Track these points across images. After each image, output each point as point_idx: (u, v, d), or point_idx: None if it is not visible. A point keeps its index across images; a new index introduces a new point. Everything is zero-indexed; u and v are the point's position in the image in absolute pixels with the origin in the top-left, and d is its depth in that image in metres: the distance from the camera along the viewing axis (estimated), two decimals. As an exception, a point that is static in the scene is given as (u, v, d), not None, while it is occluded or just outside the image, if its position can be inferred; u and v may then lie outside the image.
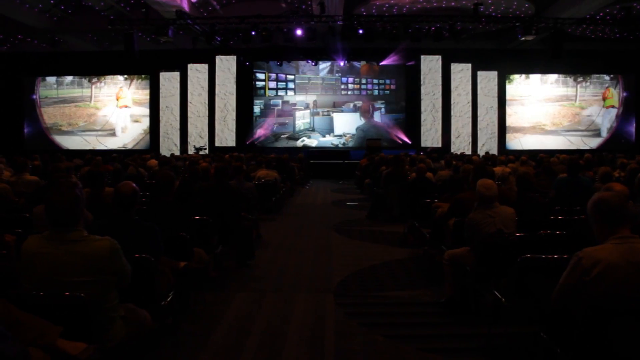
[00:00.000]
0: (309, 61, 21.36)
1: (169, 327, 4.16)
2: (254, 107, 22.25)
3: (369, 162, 13.41)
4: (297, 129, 22.32)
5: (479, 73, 21.70)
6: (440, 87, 21.67)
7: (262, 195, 9.04)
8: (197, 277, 4.79)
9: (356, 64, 22.05)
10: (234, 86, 21.85)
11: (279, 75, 22.31)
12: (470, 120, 21.71)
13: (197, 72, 21.83)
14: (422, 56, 21.51)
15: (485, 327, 4.16)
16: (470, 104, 21.69)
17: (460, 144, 21.59)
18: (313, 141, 22.21)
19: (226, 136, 21.90)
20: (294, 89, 22.43)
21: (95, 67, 21.69)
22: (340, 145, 21.93)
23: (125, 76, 22.19)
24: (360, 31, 16.70)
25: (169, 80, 21.93)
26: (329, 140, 22.17)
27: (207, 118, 21.86)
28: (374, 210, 10.11)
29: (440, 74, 21.69)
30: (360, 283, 5.74)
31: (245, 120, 21.91)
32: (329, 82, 22.38)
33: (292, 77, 22.39)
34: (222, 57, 21.58)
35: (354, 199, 13.10)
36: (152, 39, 18.75)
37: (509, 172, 7.99)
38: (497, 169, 8.59)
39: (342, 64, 21.63)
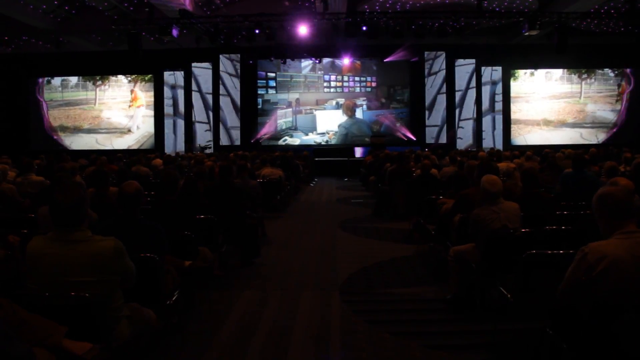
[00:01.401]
0: (313, 59, 21.32)
1: (175, 326, 4.17)
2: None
3: (373, 159, 13.39)
4: (278, 128, 22.11)
5: (484, 69, 21.62)
6: (445, 83, 21.61)
7: (267, 193, 9.05)
8: (203, 276, 4.79)
9: (338, 61, 21.91)
10: (238, 84, 21.86)
11: (259, 72, 22.09)
12: (474, 116, 21.63)
13: (202, 71, 21.85)
14: (425, 52, 21.46)
15: (491, 324, 4.15)
16: (474, 99, 21.61)
17: (465, 140, 21.53)
18: (295, 140, 21.97)
19: (230, 135, 21.90)
20: (275, 87, 22.22)
21: (100, 67, 21.73)
22: (323, 143, 21.75)
23: (129, 78, 22.20)
24: (364, 28, 16.67)
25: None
26: (311, 139, 21.95)
27: (211, 117, 21.87)
28: (379, 208, 10.10)
29: (444, 70, 21.62)
30: (366, 280, 5.74)
31: (249, 118, 21.89)
32: (312, 80, 22.21)
33: (272, 74, 22.17)
34: (226, 55, 21.63)
35: (359, 196, 13.09)
36: (156, 39, 18.77)
37: (514, 167, 7.97)
38: (501, 165, 8.56)
39: (346, 61, 21.56)
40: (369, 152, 16.44)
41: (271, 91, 22.19)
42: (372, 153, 15.07)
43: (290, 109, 22.12)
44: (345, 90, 22.16)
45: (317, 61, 21.48)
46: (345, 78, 22.16)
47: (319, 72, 22.19)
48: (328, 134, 21.97)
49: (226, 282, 5.57)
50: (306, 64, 21.97)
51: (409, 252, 6.92)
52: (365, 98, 22.15)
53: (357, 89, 22.17)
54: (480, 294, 4.44)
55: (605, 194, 2.76)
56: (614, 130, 21.62)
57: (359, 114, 22.13)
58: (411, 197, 8.18)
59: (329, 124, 22.06)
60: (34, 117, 22.30)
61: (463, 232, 4.81)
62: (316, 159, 19.21)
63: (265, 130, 21.91)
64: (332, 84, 22.16)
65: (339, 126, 22.04)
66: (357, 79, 22.17)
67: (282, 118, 22.13)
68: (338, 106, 22.12)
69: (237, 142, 21.65)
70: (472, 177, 5.70)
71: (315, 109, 22.13)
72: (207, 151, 20.27)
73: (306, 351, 3.92)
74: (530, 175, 5.32)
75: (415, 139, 21.39)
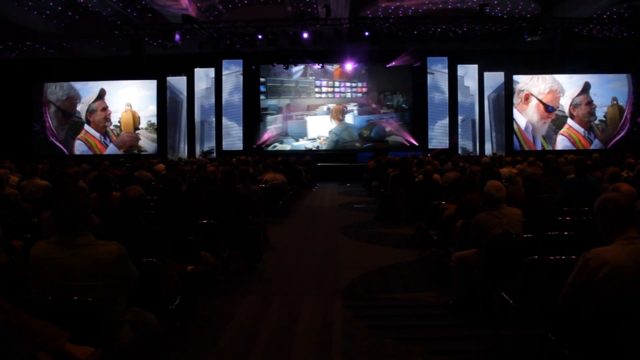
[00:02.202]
0: (316, 64, 21.34)
1: (177, 331, 4.17)
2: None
3: (376, 165, 13.40)
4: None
5: (486, 74, 21.63)
6: (447, 88, 21.62)
7: (269, 198, 9.04)
8: (205, 281, 4.79)
9: (329, 67, 21.87)
10: (241, 89, 21.89)
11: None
12: (477, 121, 21.63)
13: (204, 76, 21.91)
14: (428, 58, 21.48)
15: (493, 329, 4.15)
16: (477, 105, 21.61)
17: (467, 146, 21.53)
18: (286, 146, 21.88)
19: (233, 140, 21.92)
20: (265, 93, 22.15)
21: (103, 72, 21.79)
22: (314, 149, 21.61)
23: (133, 81, 22.26)
24: (366, 33, 16.72)
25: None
26: (302, 144, 21.84)
27: (214, 121, 21.91)
28: (382, 213, 10.10)
29: (447, 75, 21.63)
30: (368, 285, 5.73)
31: (252, 123, 21.91)
32: (303, 85, 22.13)
33: (263, 79, 22.10)
34: (229, 60, 21.69)
35: (361, 202, 13.08)
36: (159, 44, 18.84)
37: (515, 173, 7.96)
38: (503, 170, 8.55)
39: (348, 66, 21.57)
40: (371, 158, 16.44)
41: (261, 96, 22.11)
42: (375, 158, 15.07)
43: (281, 115, 22.04)
44: (337, 95, 22.06)
45: (320, 66, 21.48)
46: (337, 83, 22.09)
47: (310, 78, 22.10)
48: (319, 139, 21.91)
49: (228, 287, 5.57)
50: (297, 69, 21.91)
51: (411, 258, 6.91)
52: (356, 103, 22.08)
53: (348, 95, 22.10)
54: (482, 299, 4.44)
55: (607, 200, 2.77)
56: (622, 134, 21.56)
57: (350, 119, 22.03)
58: (413, 203, 8.19)
59: (319, 129, 21.97)
60: (36, 122, 22.35)
61: (465, 238, 4.82)
62: (318, 164, 19.21)
63: (267, 136, 21.88)
64: (324, 89, 22.07)
65: (330, 132, 21.96)
66: (348, 84, 22.11)
67: (272, 124, 22.06)
68: (329, 112, 22.04)
69: (240, 147, 21.64)
70: (474, 182, 5.71)
71: (306, 115, 22.03)
72: (212, 155, 20.31)
73: (308, 356, 3.92)
74: (532, 180, 5.33)
75: (417, 144, 21.38)
